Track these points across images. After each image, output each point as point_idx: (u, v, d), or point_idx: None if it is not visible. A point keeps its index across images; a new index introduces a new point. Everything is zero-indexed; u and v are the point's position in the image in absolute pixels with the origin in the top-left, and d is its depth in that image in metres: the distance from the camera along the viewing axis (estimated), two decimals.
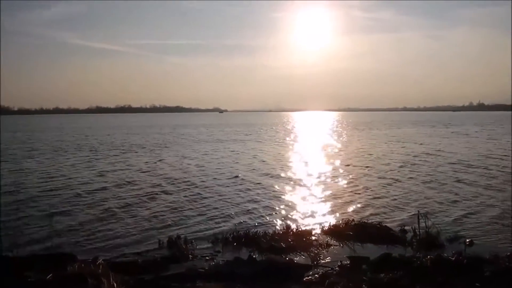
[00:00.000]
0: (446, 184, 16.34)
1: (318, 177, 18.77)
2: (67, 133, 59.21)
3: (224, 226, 10.87)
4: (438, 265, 6.66)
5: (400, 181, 17.24)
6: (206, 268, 7.52)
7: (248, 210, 12.56)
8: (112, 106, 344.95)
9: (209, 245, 9.36)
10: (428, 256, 6.97)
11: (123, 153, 30.00)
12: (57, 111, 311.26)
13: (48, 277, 6.03)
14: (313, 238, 9.57)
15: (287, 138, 47.79)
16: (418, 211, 10.11)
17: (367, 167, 21.88)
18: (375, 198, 14.10)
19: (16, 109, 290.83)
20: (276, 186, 16.53)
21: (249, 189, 15.87)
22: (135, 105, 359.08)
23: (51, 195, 14.60)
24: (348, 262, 7.56)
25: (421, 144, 36.02)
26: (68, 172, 20.47)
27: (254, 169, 21.53)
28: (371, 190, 15.40)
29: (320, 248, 8.87)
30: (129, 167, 22.14)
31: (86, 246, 9.25)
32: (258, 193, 15.11)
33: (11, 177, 18.57)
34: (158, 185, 16.72)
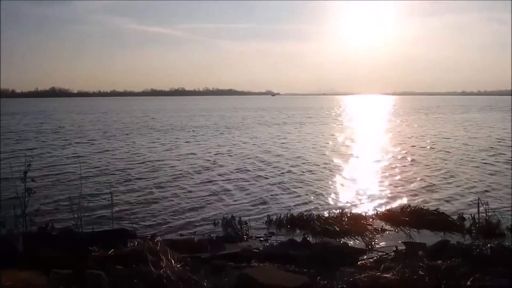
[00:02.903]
0: None
1: (381, 161, 18.49)
2: (131, 115, 61.53)
3: (279, 207, 10.96)
4: (500, 254, 6.38)
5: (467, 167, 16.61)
6: (261, 248, 7.62)
7: (304, 193, 12.60)
8: (166, 89, 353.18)
9: (263, 226, 9.48)
10: (489, 245, 6.68)
11: (195, 135, 30.70)
12: (114, 93, 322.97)
13: (110, 252, 6.35)
14: (368, 222, 9.44)
15: (350, 122, 47.23)
16: (479, 198, 9.69)
17: (440, 150, 21.31)
18: (434, 183, 13.68)
19: (75, 91, 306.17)
20: (336, 169, 16.56)
21: (311, 171, 16.00)
22: (188, 88, 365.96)
23: (115, 174, 15.43)
24: (404, 247, 7.41)
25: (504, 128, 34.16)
26: (140, 152, 21.55)
27: (322, 153, 21.47)
28: (435, 176, 14.96)
29: (374, 233, 8.76)
30: (202, 149, 22.75)
31: (145, 223, 9.64)
32: (318, 176, 15.12)
33: (95, 157, 19.65)
34: (223, 166, 17.06)
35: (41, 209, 7.99)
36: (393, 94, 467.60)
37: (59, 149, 22.70)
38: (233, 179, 14.54)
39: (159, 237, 7.50)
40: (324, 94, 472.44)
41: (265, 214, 10.14)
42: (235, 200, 11.70)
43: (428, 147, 23.25)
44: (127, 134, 31.33)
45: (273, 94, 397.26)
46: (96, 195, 11.99)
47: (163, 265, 5.88)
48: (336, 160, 18.73)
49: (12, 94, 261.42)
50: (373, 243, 8.17)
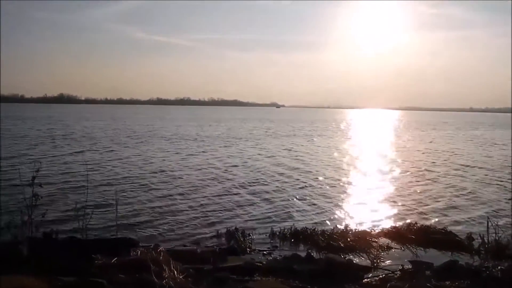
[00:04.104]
0: None
1: (387, 176, 18.45)
2: (140, 123, 61.79)
3: (283, 221, 10.89)
4: (510, 276, 6.24)
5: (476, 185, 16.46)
6: (264, 262, 7.52)
7: (308, 206, 12.55)
8: (172, 98, 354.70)
9: (267, 239, 9.39)
10: (499, 267, 6.55)
11: (201, 145, 30.67)
12: (121, 101, 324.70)
13: (113, 260, 6.28)
14: (373, 239, 9.29)
15: (359, 136, 47.24)
16: (488, 217, 9.53)
17: (452, 167, 21.23)
18: (442, 201, 13.56)
19: (83, 98, 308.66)
20: (341, 183, 16.49)
21: (312, 186, 15.90)
22: (194, 97, 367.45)
23: (121, 182, 15.42)
24: (411, 266, 7.28)
25: None
26: (150, 160, 21.64)
27: (333, 167, 21.33)
28: (442, 193, 14.83)
29: (380, 250, 8.61)
30: (212, 160, 22.72)
31: (148, 232, 9.60)
32: (322, 190, 15.07)
33: (104, 165, 19.69)
34: (228, 179, 16.88)
35: (47, 215, 7.91)
36: (398, 108, 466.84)
37: (70, 155, 22.81)
38: (239, 191, 14.47)
39: (162, 247, 7.40)
40: (328, 107, 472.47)
41: (269, 227, 10.02)
42: (239, 212, 11.63)
43: (440, 163, 23.07)
44: (140, 142, 31.45)
45: (278, 106, 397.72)
46: (102, 202, 12.00)
47: (166, 275, 5.82)
48: (346, 175, 18.68)
49: (21, 100, 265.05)
50: (378, 260, 8.02)
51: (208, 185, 15.32)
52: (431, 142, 39.04)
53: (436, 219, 11.29)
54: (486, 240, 8.85)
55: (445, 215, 11.77)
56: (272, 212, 11.81)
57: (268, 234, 9.60)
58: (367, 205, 12.98)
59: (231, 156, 24.57)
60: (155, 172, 17.80)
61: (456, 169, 20.91)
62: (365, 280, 6.79)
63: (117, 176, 16.64)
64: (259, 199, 13.35)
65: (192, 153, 25.43)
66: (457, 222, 11.08)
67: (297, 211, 12.00)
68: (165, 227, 10.01)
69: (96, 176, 16.35)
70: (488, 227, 8.94)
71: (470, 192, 15.03)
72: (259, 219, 11.08)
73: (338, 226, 10.24)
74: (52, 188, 13.62)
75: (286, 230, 9.60)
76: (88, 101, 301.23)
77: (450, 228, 10.11)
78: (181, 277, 5.96)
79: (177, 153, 25.51)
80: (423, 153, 28.55)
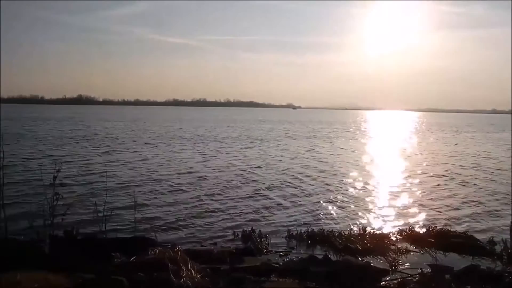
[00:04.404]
0: None
1: (413, 179, 18.07)
2: (159, 124, 62.38)
3: (301, 222, 10.84)
4: None
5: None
6: (281, 263, 7.52)
7: (328, 209, 12.45)
8: (188, 99, 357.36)
9: (283, 240, 9.36)
10: None
11: (223, 147, 30.67)
12: (137, 102, 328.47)
13: (131, 259, 6.37)
14: (391, 242, 9.20)
15: (382, 138, 46.82)
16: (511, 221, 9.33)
17: (479, 170, 20.89)
18: (465, 203, 13.39)
19: (101, 99, 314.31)
20: (365, 186, 16.29)
21: (334, 187, 15.77)
22: (210, 99, 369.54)
23: (142, 182, 15.55)
24: (430, 270, 7.17)
25: None
26: (172, 161, 21.77)
27: (356, 169, 21.08)
28: (464, 195, 14.58)
29: (398, 254, 8.50)
30: (232, 160, 22.73)
31: (166, 232, 9.67)
32: (344, 192, 14.95)
33: (125, 165, 19.95)
34: (253, 180, 16.78)
35: (68, 214, 8.07)
36: (418, 110, 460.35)
37: (95, 155, 23.11)
38: (261, 192, 14.38)
39: (179, 247, 7.47)
40: (345, 109, 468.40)
41: (286, 229, 9.98)
42: (258, 214, 11.58)
43: (469, 166, 22.54)
44: (161, 143, 31.68)
45: (294, 107, 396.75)
46: (121, 202, 12.12)
47: (183, 274, 5.87)
48: (370, 177, 18.38)
49: (41, 101, 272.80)
50: (397, 264, 7.91)
51: (229, 186, 15.24)
52: (456, 144, 38.25)
53: (461, 223, 11.07)
54: (509, 245, 8.67)
55: (471, 220, 11.51)
56: (291, 214, 11.75)
57: (285, 236, 9.57)
58: (390, 208, 12.76)
59: (253, 157, 24.50)
60: (179, 174, 17.76)
61: (485, 172, 20.44)
62: (383, 283, 6.72)
63: (138, 177, 16.68)
64: (279, 200, 13.28)
65: (213, 154, 25.40)
66: (481, 227, 10.84)
67: (316, 213, 11.90)
68: (184, 227, 10.05)
69: (118, 176, 16.54)
70: (511, 232, 8.76)
71: (499, 197, 14.60)
72: (276, 220, 11.03)
73: (356, 228, 10.16)
74: (75, 188, 13.87)
75: (303, 232, 9.57)
76: (106, 102, 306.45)
77: (473, 232, 9.92)
78: (198, 276, 6.00)
79: (198, 153, 25.60)
80: (450, 156, 27.98)
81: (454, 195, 14.85)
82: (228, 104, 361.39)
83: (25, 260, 5.71)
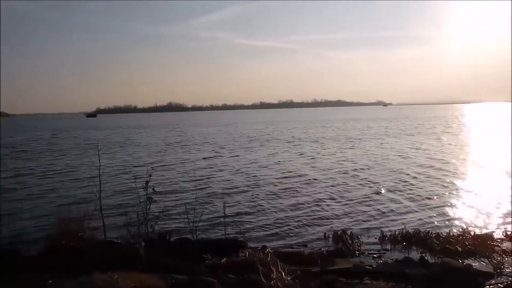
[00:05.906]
0: None
1: None
2: (251, 127, 63.90)
3: (393, 222, 10.47)
4: None
5: None
6: (374, 265, 7.32)
7: (423, 207, 11.90)
8: (275, 101, 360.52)
9: (376, 242, 9.09)
10: None
11: (324, 147, 30.23)
12: (225, 107, 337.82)
13: (222, 261, 6.58)
14: (496, 243, 8.52)
15: (488, 132, 43.35)
16: None
17: None
18: None
19: (190, 106, 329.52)
20: (474, 183, 15.23)
21: (443, 186, 14.88)
22: (296, 100, 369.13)
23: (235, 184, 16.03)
24: None
25: None
26: (271, 163, 22.00)
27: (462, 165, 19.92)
28: None
29: (504, 256, 7.84)
30: (340, 160, 22.52)
31: (255, 234, 9.78)
32: (451, 191, 14.16)
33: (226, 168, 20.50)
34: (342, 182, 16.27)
35: (160, 217, 8.54)
36: None
37: (199, 160, 24.02)
38: (356, 194, 13.88)
39: (269, 249, 7.56)
40: (440, 103, 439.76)
41: (379, 230, 9.68)
42: (352, 215, 11.33)
43: None
44: (261, 146, 32.20)
45: (385, 104, 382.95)
46: (211, 204, 12.51)
47: (274, 276, 5.93)
48: (482, 175, 17.18)
49: (135, 110, 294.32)
50: (502, 266, 7.30)
51: (342, 190, 14.68)
52: None
53: None
54: None
55: None
56: (386, 213, 11.36)
57: (378, 237, 9.29)
58: (498, 209, 11.63)
59: (359, 157, 23.82)
60: (284, 178, 17.41)
61: None
62: (486, 286, 6.27)
63: (244, 181, 16.76)
64: (371, 200, 12.91)
65: (314, 156, 24.90)
66: None
67: (413, 212, 11.44)
68: (272, 229, 10.14)
69: (224, 180, 16.99)
70: None
71: None
72: (370, 220, 10.73)
73: (455, 229, 9.58)
74: (166, 191, 14.58)
75: (397, 233, 9.21)
76: (195, 108, 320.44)
77: None
78: (288, 278, 6.04)
79: (300, 155, 25.55)
80: None
81: None
82: (315, 104, 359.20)
83: (122, 261, 6.15)
